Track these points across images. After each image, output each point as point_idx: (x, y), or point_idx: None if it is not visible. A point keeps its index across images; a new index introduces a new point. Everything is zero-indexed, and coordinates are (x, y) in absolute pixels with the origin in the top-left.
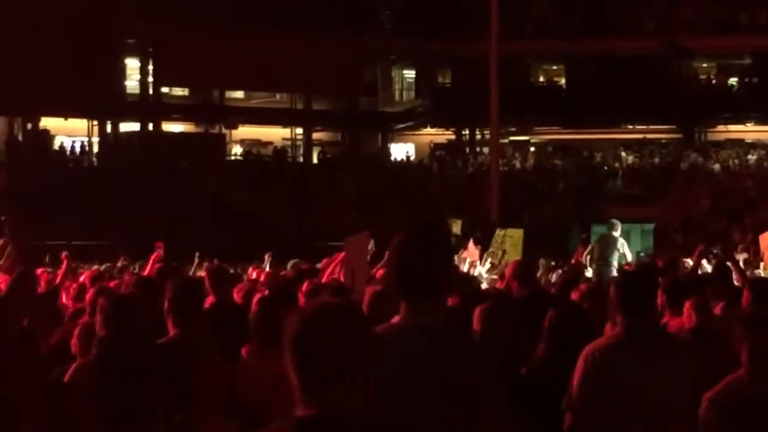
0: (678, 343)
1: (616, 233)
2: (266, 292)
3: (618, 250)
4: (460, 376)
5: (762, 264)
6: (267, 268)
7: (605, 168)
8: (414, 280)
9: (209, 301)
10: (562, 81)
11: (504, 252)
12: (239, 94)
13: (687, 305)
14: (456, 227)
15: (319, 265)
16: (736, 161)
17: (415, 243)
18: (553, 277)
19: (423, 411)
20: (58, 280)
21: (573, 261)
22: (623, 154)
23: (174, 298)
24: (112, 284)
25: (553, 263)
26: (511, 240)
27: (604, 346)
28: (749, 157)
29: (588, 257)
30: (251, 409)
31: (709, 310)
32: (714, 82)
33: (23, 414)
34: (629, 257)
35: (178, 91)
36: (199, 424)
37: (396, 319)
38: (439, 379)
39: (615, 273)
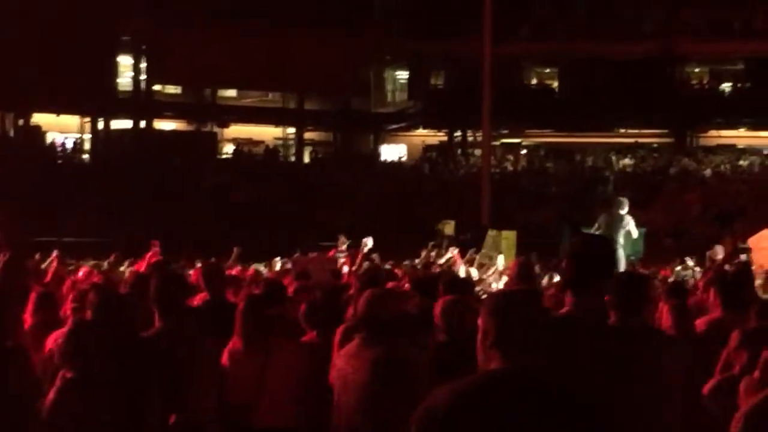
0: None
1: (623, 211)
2: (255, 289)
3: (623, 228)
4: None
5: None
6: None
7: (597, 172)
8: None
9: (202, 297)
10: (555, 84)
11: (498, 253)
12: (232, 92)
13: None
14: (448, 229)
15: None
16: (728, 166)
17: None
18: (546, 280)
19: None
20: (48, 278)
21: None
22: (615, 158)
23: (156, 291)
24: (98, 279)
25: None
26: (506, 242)
27: None
28: (741, 162)
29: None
30: (238, 405)
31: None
32: (706, 87)
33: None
34: (635, 234)
35: (171, 89)
36: (192, 418)
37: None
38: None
39: (621, 252)
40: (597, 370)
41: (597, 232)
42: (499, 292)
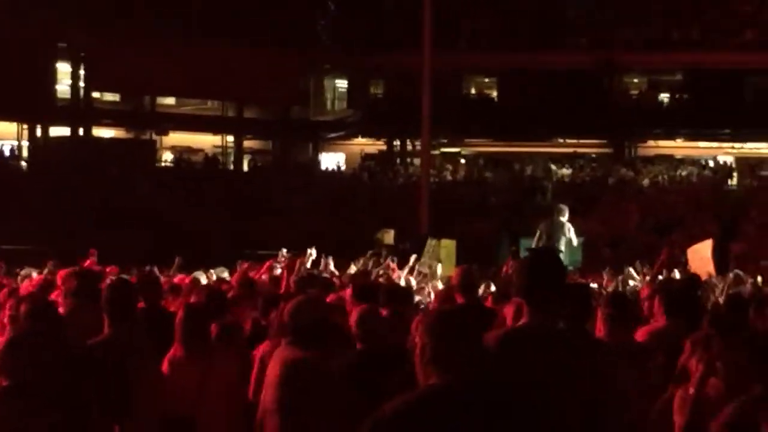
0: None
1: (563, 218)
2: (193, 298)
3: (565, 235)
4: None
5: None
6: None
7: (536, 181)
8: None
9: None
10: (494, 94)
11: (437, 262)
12: (170, 100)
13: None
14: (388, 238)
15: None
16: (666, 177)
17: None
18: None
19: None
20: None
21: (503, 272)
22: (554, 167)
23: (105, 298)
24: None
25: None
26: (445, 251)
27: None
28: (679, 172)
29: (536, 244)
30: (177, 414)
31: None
32: (645, 97)
33: None
34: (575, 242)
35: (109, 97)
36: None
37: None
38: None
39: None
40: (550, 382)
41: (538, 240)
42: (436, 311)
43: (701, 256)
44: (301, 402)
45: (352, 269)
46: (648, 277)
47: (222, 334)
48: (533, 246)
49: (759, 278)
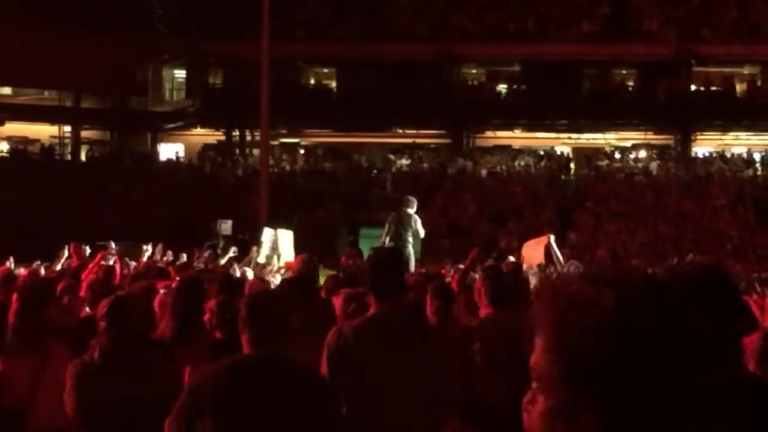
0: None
1: (411, 210)
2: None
3: (411, 227)
4: None
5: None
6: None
7: (374, 172)
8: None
9: None
10: (333, 84)
11: (276, 252)
12: (7, 90)
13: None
14: (225, 228)
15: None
16: (504, 167)
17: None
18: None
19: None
20: None
21: (341, 262)
22: (392, 158)
23: None
24: None
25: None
26: (282, 240)
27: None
28: (516, 163)
29: (385, 236)
30: (9, 410)
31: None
32: (483, 88)
33: None
34: (422, 233)
35: None
36: None
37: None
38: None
39: (411, 250)
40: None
41: (387, 233)
42: (249, 294)
43: (533, 249)
44: None
45: (184, 259)
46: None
47: (53, 327)
48: (383, 238)
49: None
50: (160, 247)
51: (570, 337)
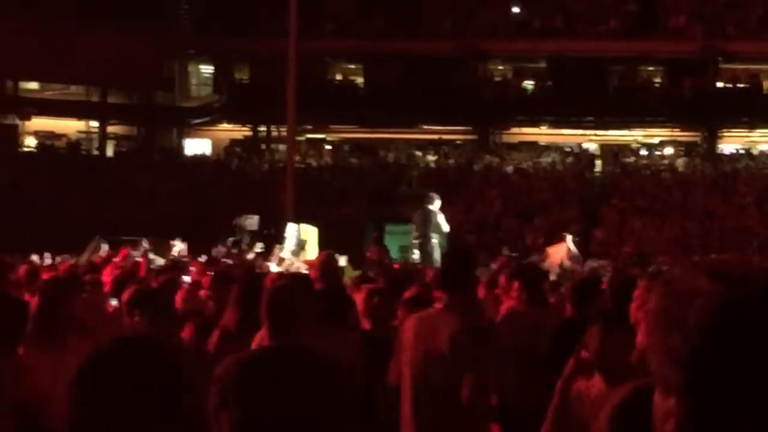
0: None
1: (432, 206)
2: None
3: (432, 223)
4: None
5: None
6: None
7: (401, 168)
8: None
9: None
10: (360, 80)
11: (301, 249)
12: (33, 85)
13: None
14: (251, 223)
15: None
16: (530, 163)
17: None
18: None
19: None
20: None
21: (367, 257)
22: (418, 154)
23: None
24: None
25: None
26: (308, 237)
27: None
28: (542, 159)
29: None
30: (28, 407)
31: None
32: (509, 84)
33: None
34: (445, 228)
35: None
36: None
37: None
38: None
39: (435, 246)
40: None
41: (415, 231)
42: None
43: (557, 250)
44: None
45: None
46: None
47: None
48: (413, 236)
49: None
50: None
51: (683, 332)
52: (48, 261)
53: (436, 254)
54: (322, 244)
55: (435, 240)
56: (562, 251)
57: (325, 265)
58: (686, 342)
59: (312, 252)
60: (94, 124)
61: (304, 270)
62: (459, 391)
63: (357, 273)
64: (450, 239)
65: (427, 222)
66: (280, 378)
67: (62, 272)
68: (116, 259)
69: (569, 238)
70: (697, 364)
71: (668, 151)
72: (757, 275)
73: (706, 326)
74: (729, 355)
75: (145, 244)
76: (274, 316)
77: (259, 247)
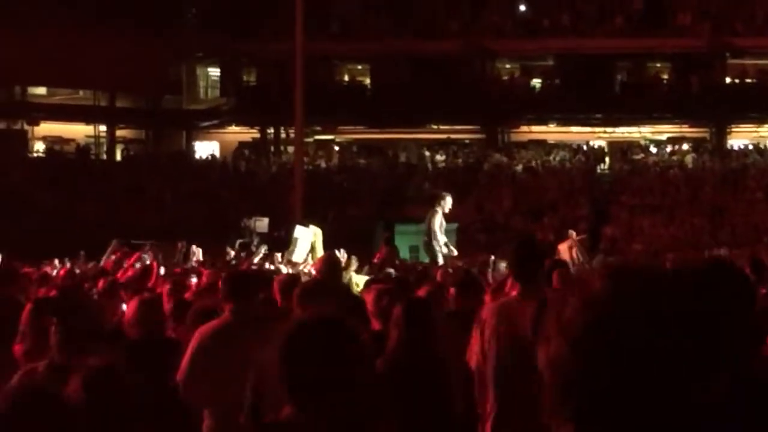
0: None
1: (437, 206)
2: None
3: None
4: None
5: None
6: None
7: (410, 168)
8: None
9: None
10: (367, 81)
11: (309, 250)
12: (41, 90)
13: None
14: (261, 226)
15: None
16: (539, 162)
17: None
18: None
19: None
20: None
21: (375, 260)
22: (427, 153)
23: None
24: None
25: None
26: (315, 237)
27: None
28: (551, 157)
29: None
30: None
31: None
32: (517, 83)
33: None
34: (435, 229)
35: None
36: None
37: None
38: None
39: (438, 245)
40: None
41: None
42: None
43: (566, 248)
44: None
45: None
46: None
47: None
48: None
49: None
50: (193, 248)
51: (568, 327)
52: (58, 265)
53: (437, 253)
54: (332, 245)
55: (443, 240)
56: (570, 248)
57: (327, 264)
58: (567, 343)
59: (320, 254)
60: (103, 128)
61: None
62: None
63: (364, 279)
64: (460, 239)
65: (440, 222)
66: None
67: (60, 280)
68: (127, 263)
69: (573, 234)
70: (579, 360)
71: (677, 147)
72: (652, 272)
73: (583, 321)
74: (604, 353)
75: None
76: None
77: (264, 250)
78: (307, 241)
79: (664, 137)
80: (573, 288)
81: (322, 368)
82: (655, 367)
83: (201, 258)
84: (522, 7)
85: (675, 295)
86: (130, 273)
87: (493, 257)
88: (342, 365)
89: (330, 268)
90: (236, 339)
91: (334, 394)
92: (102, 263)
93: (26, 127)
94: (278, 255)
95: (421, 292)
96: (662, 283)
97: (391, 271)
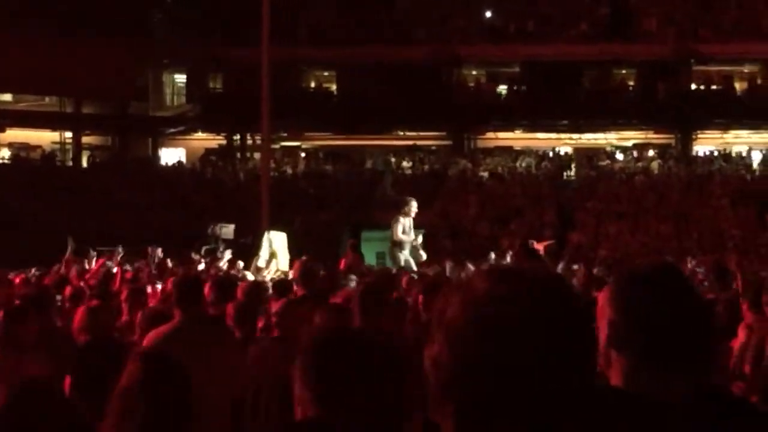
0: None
1: (400, 214)
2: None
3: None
4: None
5: None
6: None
7: (376, 174)
8: None
9: None
10: (334, 87)
11: (273, 256)
12: (7, 96)
13: None
14: (227, 232)
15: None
16: (505, 168)
17: None
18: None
19: None
20: None
21: (341, 266)
22: (393, 160)
23: None
24: None
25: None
26: (276, 242)
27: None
28: (517, 164)
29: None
30: None
31: None
32: (483, 89)
33: None
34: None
35: None
36: None
37: None
38: None
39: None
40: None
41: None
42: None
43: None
44: None
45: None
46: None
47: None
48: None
49: None
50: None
51: (448, 326)
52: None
53: (410, 260)
54: (299, 251)
55: (409, 247)
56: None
57: (303, 270)
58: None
59: (283, 259)
60: (69, 134)
61: (281, 277)
62: None
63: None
64: (426, 244)
65: (400, 229)
66: None
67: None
68: (92, 270)
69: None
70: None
71: (643, 153)
72: (535, 275)
73: (461, 323)
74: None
75: (119, 252)
76: None
77: (227, 255)
78: (269, 246)
79: (629, 143)
80: (457, 289)
81: (353, 379)
82: (528, 365)
83: (161, 256)
84: (488, 13)
85: (552, 298)
86: (92, 281)
87: (450, 263)
88: (373, 375)
89: (307, 272)
90: (185, 343)
91: (364, 399)
92: (62, 269)
93: None
94: (240, 262)
95: (338, 299)
96: (543, 286)
97: (353, 277)
